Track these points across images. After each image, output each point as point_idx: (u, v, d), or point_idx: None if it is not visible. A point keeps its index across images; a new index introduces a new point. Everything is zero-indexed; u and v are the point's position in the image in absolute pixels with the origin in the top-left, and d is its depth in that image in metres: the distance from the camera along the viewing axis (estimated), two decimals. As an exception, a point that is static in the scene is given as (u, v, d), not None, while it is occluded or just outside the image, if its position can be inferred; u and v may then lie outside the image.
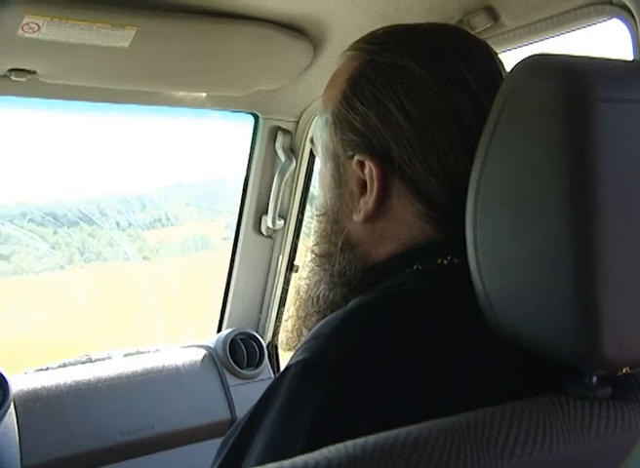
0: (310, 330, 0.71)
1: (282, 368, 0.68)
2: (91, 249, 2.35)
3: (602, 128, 0.53)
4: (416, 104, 0.73)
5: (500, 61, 0.79)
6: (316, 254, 0.84)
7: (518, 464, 0.52)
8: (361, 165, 0.76)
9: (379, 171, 0.75)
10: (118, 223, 2.24)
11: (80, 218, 2.20)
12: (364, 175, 0.76)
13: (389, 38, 0.78)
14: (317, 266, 0.83)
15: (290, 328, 0.87)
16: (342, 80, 0.79)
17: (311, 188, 1.83)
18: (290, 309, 0.88)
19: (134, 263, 2.36)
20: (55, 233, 2.22)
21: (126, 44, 1.16)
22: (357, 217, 0.78)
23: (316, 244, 0.84)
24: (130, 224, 2.28)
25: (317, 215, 0.84)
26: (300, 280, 0.87)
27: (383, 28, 0.81)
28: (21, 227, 2.10)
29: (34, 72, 1.22)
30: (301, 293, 0.85)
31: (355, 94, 0.77)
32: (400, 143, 0.74)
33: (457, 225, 0.66)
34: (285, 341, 0.88)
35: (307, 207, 1.84)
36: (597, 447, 0.55)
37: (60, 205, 2.20)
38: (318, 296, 0.82)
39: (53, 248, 2.25)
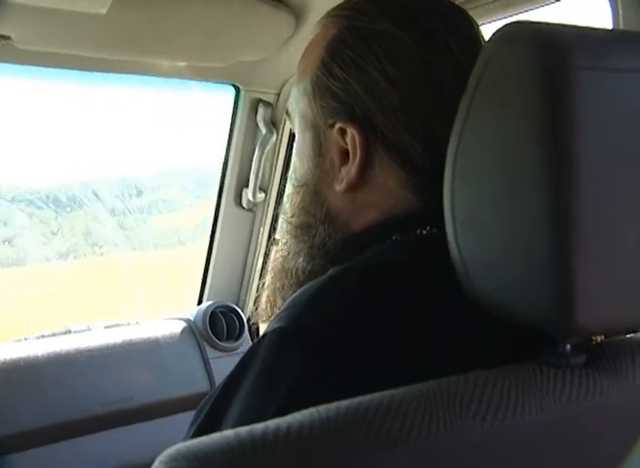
0: (286, 301, 0.71)
1: (260, 338, 0.68)
2: (97, 235, 2.30)
3: (581, 96, 0.52)
4: (397, 68, 0.72)
5: (479, 30, 0.78)
6: (294, 226, 0.82)
7: (490, 430, 0.52)
8: (342, 132, 0.75)
9: (361, 138, 0.74)
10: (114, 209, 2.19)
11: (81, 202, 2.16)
12: (346, 143, 0.75)
13: (367, 4, 0.77)
14: (295, 238, 0.82)
15: (265, 299, 0.86)
16: (320, 48, 0.78)
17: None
18: (266, 281, 0.88)
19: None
20: (56, 218, 2.17)
21: (103, 10, 1.13)
22: (339, 187, 0.76)
23: (293, 215, 0.83)
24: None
25: (295, 187, 0.83)
26: (276, 252, 0.86)
27: None
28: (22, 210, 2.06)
29: (9, 37, 1.20)
30: (278, 265, 0.84)
31: (334, 60, 0.75)
32: (383, 108, 0.73)
33: (438, 190, 0.65)
34: (261, 312, 0.87)
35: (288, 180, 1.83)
36: (568, 412, 0.55)
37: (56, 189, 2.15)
38: (297, 269, 0.81)
39: (53, 233, 2.21)
